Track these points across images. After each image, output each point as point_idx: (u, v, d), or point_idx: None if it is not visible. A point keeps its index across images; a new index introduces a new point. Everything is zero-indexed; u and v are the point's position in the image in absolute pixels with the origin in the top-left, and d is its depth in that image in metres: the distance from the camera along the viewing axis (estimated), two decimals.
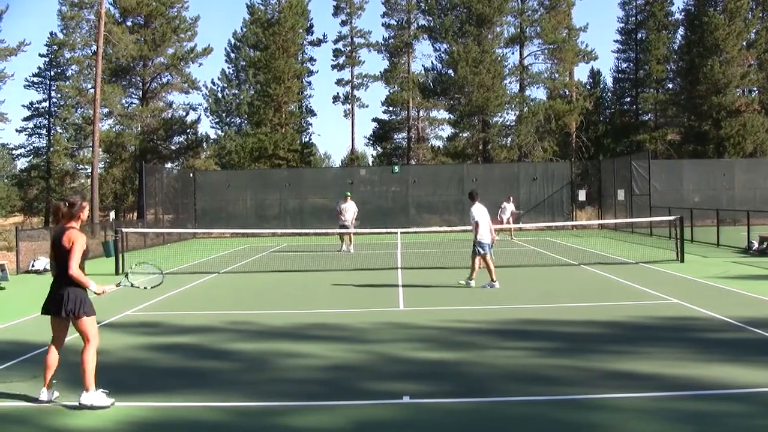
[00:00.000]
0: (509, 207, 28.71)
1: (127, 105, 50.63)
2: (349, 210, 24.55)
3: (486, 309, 12.03)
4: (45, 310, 6.89)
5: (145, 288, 7.88)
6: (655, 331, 9.94)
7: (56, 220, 6.97)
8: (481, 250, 14.47)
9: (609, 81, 62.32)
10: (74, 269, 6.65)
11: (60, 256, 6.75)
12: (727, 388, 6.93)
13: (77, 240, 6.73)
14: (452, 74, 49.24)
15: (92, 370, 6.75)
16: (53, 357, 6.89)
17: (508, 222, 28.37)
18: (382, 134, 59.83)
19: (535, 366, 8.06)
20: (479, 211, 14.62)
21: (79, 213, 6.96)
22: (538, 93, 67.79)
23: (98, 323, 11.01)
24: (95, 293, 6.87)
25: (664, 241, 24.58)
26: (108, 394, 6.77)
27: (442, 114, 57.58)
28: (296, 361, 8.55)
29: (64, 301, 6.71)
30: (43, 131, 55.99)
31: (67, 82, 52.06)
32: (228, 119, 68.04)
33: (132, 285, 7.54)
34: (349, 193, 25.62)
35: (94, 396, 6.68)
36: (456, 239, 29.06)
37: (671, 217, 21.34)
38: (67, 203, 6.94)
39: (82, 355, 6.78)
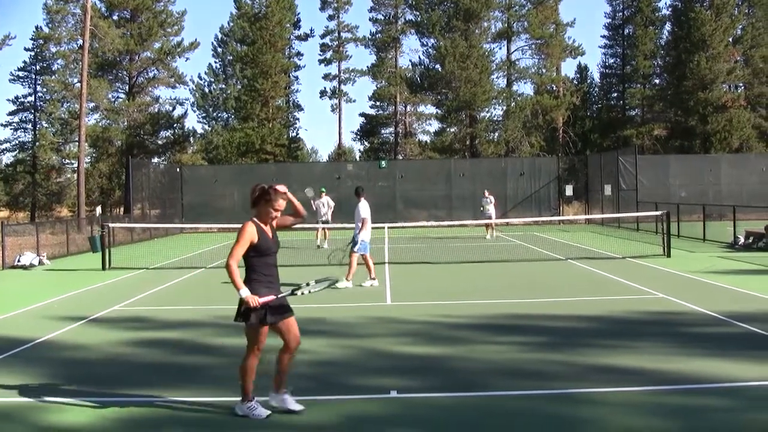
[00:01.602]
0: (491, 199, 27.64)
1: (113, 99, 50.41)
2: (325, 205, 24.61)
3: (473, 304, 12.04)
4: None
5: (311, 291, 6.46)
6: (641, 326, 9.98)
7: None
8: (362, 248, 14.33)
9: (596, 76, 62.53)
10: (227, 262, 5.94)
11: None
12: (712, 382, 6.97)
13: (239, 231, 6.04)
14: (439, 69, 49.31)
15: (246, 379, 6.25)
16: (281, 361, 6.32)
17: (489, 217, 27.31)
18: (369, 129, 59.78)
19: (522, 360, 8.08)
20: (367, 209, 14.53)
21: (257, 200, 6.15)
22: (526, 88, 68.12)
23: (84, 318, 11.07)
24: (243, 299, 5.95)
25: (651, 235, 24.68)
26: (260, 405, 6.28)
27: (430, 109, 57.64)
28: None
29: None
30: (29, 126, 55.49)
31: (53, 77, 51.70)
32: (215, 114, 67.57)
33: (298, 293, 6.37)
34: (324, 189, 25.63)
35: (244, 407, 6.26)
36: (444, 235, 29.12)
37: (658, 212, 21.44)
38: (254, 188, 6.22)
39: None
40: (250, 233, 6.02)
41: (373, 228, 15.32)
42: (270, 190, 6.11)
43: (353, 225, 14.78)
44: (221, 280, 15.94)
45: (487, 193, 28.15)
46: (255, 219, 6.13)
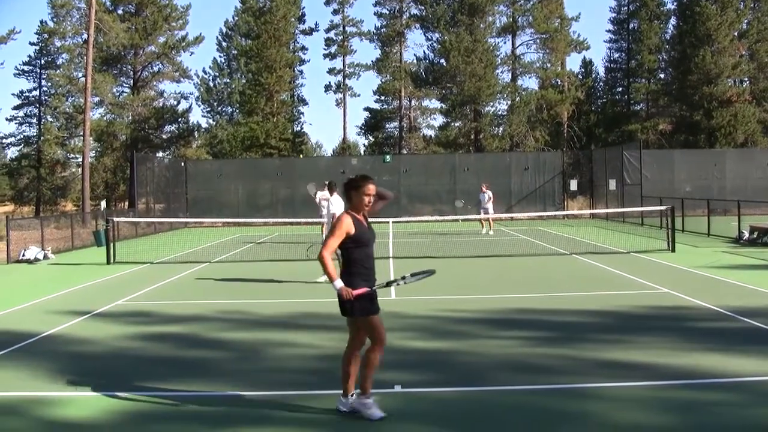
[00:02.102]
0: (488, 194, 26.73)
1: (118, 94, 50.44)
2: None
3: (477, 298, 12.04)
4: None
5: (405, 283, 6.22)
6: (646, 321, 9.96)
7: None
8: None
9: (601, 71, 62.38)
10: (320, 253, 5.88)
11: None
12: (717, 377, 6.96)
13: (335, 223, 5.93)
14: (444, 64, 49.23)
15: (366, 374, 6.04)
16: (349, 363, 6.10)
17: (485, 212, 26.79)
18: (373, 123, 59.74)
19: (526, 355, 8.07)
20: (341, 206, 13.88)
21: (347, 190, 6.06)
22: (530, 83, 68.14)
23: (88, 313, 11.08)
24: (337, 290, 5.80)
25: (656, 230, 24.63)
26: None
27: (434, 103, 57.68)
28: (288, 350, 8.54)
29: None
30: (34, 120, 55.68)
31: (58, 71, 51.81)
32: (219, 108, 67.81)
33: (393, 284, 6.28)
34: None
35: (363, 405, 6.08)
36: (448, 229, 29.11)
37: (662, 207, 21.38)
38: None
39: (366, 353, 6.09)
40: (347, 224, 5.91)
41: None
42: (356, 177, 6.07)
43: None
44: (226, 275, 15.97)
45: (484, 188, 27.17)
46: (350, 211, 6.05)
